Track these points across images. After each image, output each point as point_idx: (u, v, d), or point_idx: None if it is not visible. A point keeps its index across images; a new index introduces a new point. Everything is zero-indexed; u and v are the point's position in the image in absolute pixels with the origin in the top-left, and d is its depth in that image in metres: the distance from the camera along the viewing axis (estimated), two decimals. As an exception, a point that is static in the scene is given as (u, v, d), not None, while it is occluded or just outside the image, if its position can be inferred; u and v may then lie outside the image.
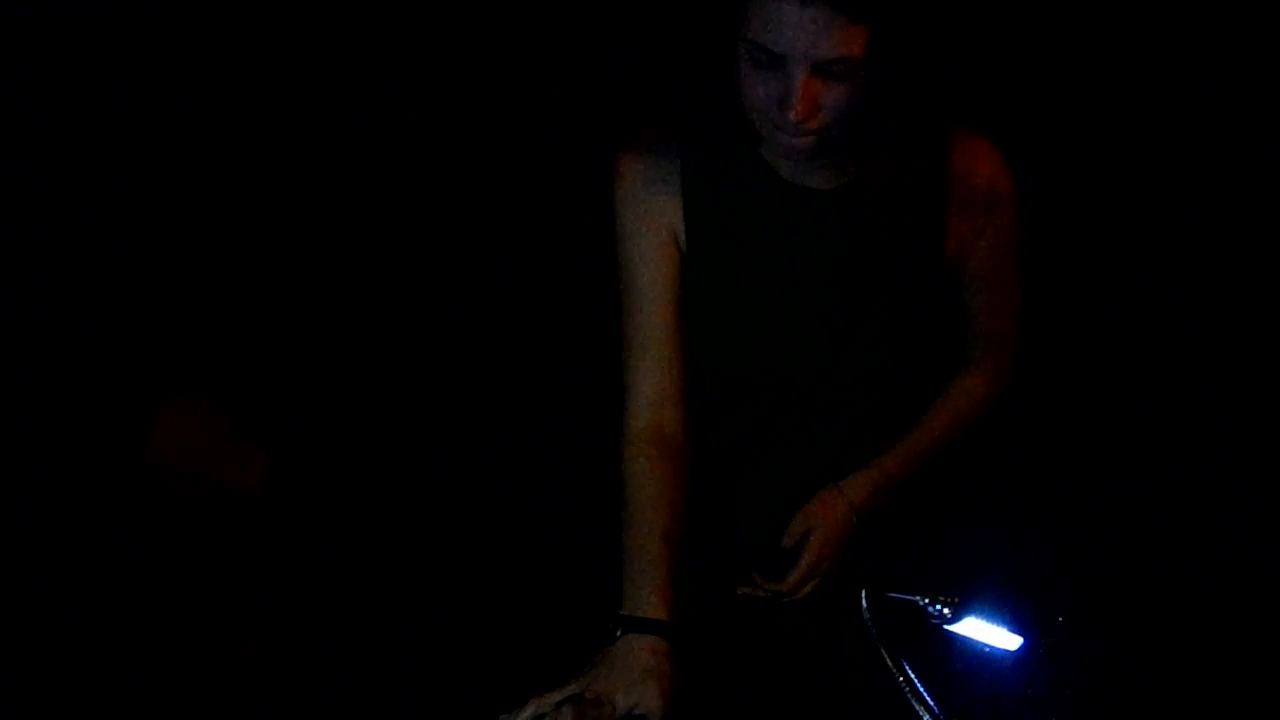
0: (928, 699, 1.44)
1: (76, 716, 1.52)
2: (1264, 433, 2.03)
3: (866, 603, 1.52)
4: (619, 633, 1.52)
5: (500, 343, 1.98)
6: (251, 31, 1.92)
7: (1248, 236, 2.06)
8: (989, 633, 1.49)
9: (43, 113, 1.83)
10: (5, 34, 1.79)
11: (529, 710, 1.44)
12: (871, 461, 1.73)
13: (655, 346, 1.68)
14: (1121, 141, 2.07)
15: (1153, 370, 2.07)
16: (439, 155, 1.97)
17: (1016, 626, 1.48)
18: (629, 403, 1.68)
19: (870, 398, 1.73)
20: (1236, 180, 2.05)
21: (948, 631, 1.50)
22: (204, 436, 1.90)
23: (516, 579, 1.80)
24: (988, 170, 1.69)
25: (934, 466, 1.76)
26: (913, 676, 1.45)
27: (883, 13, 1.46)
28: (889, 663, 1.46)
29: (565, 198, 1.94)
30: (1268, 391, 2.03)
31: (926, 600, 1.50)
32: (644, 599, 1.54)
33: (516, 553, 1.83)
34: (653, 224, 1.68)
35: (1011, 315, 1.79)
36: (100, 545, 1.77)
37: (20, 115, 1.80)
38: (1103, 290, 2.05)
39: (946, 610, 1.50)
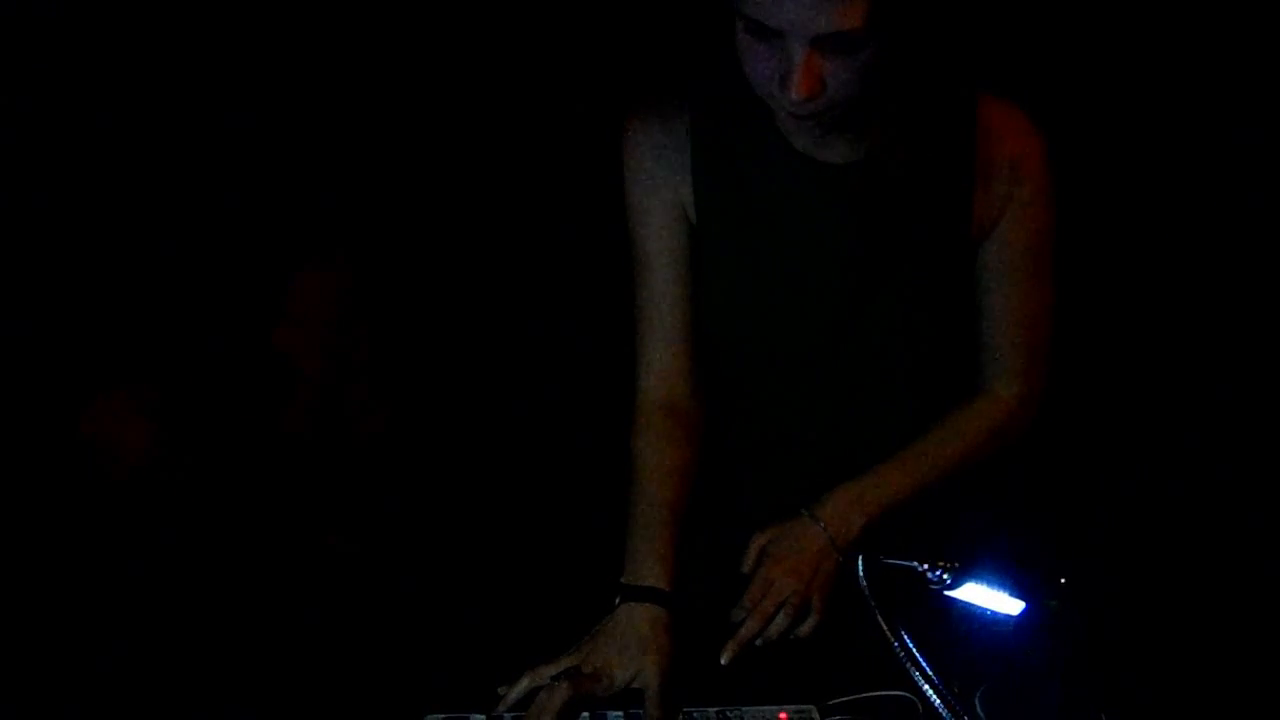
0: (925, 666, 1.42)
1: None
2: (1261, 400, 1.96)
3: (863, 569, 1.50)
4: (618, 601, 1.52)
5: (508, 318, 1.99)
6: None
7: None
8: (990, 598, 1.46)
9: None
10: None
11: (523, 683, 1.47)
12: (853, 482, 1.63)
13: (666, 319, 1.66)
14: (1156, 127, 1.96)
15: (1157, 340, 2.00)
16: (446, 131, 1.97)
17: (1018, 591, 1.45)
18: (640, 374, 1.68)
19: (888, 378, 1.66)
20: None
21: (947, 597, 1.48)
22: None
23: (515, 551, 1.81)
24: (1017, 140, 1.57)
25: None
26: (910, 644, 1.43)
27: None
28: (885, 630, 1.44)
29: (573, 170, 1.92)
30: (1261, 360, 1.96)
31: (925, 566, 1.47)
32: (645, 567, 1.55)
33: (515, 525, 1.84)
34: (662, 196, 1.63)
35: (1038, 326, 1.65)
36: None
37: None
38: (1101, 269, 1.97)
39: (946, 576, 1.46)
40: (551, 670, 1.46)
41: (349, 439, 1.96)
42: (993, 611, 1.46)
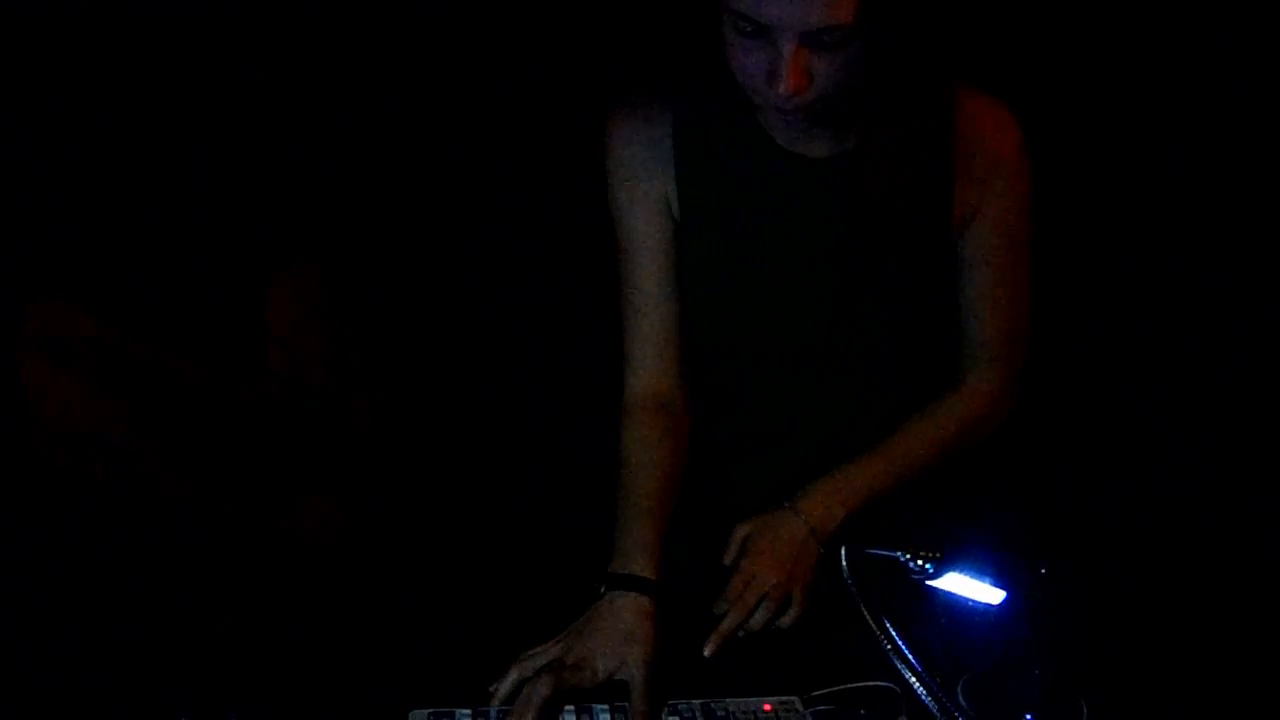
0: (909, 655, 1.43)
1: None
2: (1239, 389, 1.98)
3: (846, 559, 1.51)
4: (603, 589, 1.52)
5: (496, 313, 1.99)
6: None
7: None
8: (971, 587, 1.47)
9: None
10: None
11: (511, 677, 1.46)
12: (834, 474, 1.65)
13: (652, 314, 1.67)
14: (1140, 117, 1.96)
15: (1135, 329, 2.01)
16: (427, 130, 1.97)
17: (999, 581, 1.46)
18: (627, 368, 1.69)
19: (872, 371, 1.68)
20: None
21: (929, 587, 1.49)
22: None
23: (502, 546, 1.81)
24: (995, 133, 1.59)
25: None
26: (893, 633, 1.44)
27: None
28: (869, 620, 1.45)
29: (556, 168, 1.92)
30: (1240, 349, 1.98)
31: (907, 556, 1.48)
32: (631, 557, 1.55)
33: (500, 519, 1.84)
34: (646, 192, 1.64)
35: (1016, 314, 1.67)
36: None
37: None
38: (1080, 261, 1.98)
39: (928, 565, 1.48)
40: (536, 662, 1.47)
41: (344, 439, 1.96)
42: (974, 601, 1.48)
